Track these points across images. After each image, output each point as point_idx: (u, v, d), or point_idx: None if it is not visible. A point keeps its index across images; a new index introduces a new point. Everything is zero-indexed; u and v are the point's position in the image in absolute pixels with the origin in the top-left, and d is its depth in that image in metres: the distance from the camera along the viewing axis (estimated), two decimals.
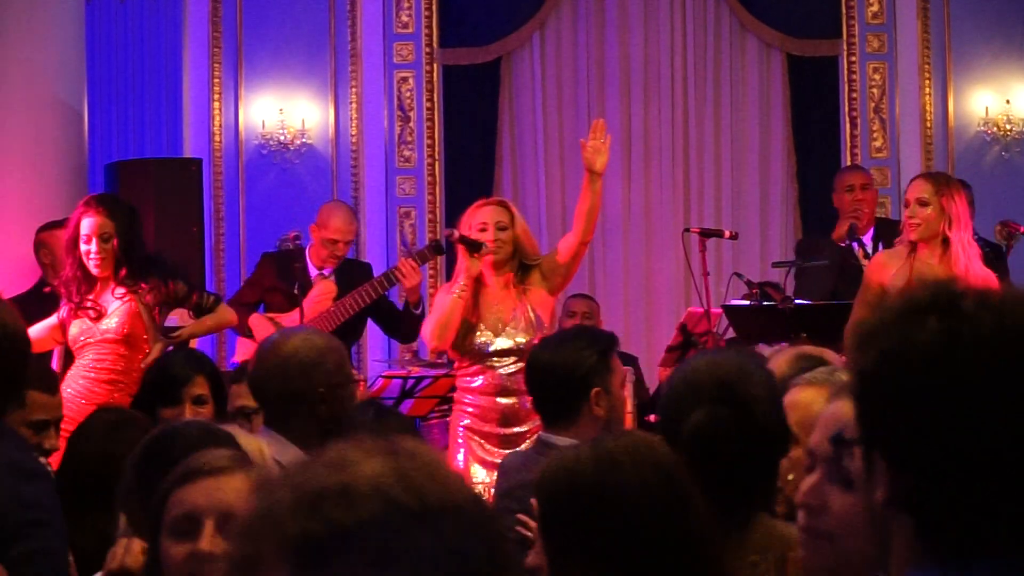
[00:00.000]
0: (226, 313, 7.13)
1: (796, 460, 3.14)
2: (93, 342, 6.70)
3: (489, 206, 6.69)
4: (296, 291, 7.93)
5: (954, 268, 6.46)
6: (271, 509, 1.48)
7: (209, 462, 2.78)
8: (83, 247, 6.67)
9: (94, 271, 6.68)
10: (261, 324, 7.97)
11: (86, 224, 6.67)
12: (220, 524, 2.72)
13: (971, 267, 6.50)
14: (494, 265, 6.60)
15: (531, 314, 6.61)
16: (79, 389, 6.65)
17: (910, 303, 1.68)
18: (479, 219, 6.59)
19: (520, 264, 6.67)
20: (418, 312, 8.06)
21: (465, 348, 6.62)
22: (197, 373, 4.93)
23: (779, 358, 3.84)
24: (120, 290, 6.72)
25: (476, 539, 1.45)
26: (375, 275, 8.16)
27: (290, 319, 7.94)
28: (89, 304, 6.72)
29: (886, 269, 6.63)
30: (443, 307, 6.57)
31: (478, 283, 6.61)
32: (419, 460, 1.50)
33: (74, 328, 6.72)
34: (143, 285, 6.76)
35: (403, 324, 8.17)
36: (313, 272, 8.10)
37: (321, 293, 7.88)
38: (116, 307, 6.70)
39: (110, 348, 6.70)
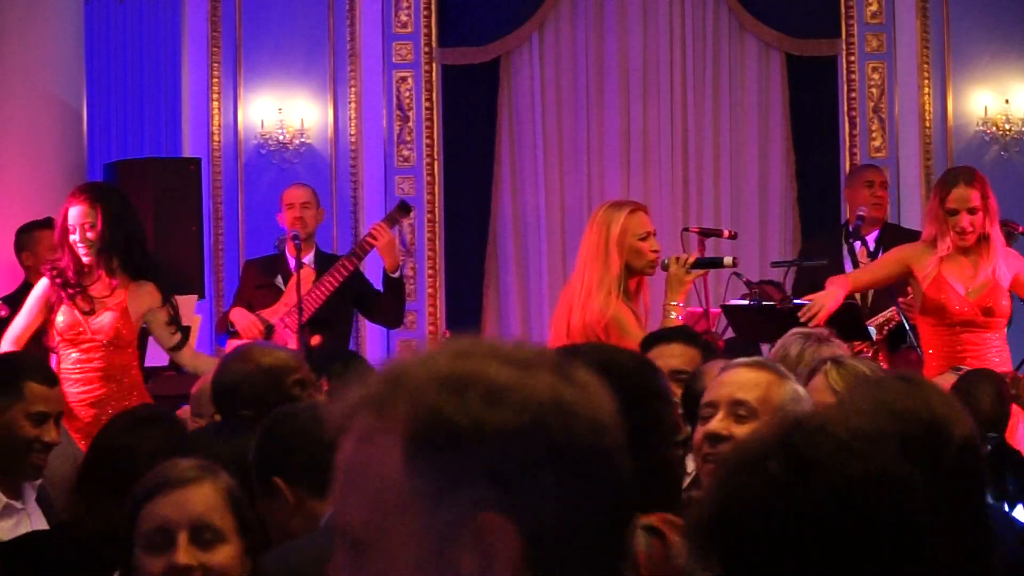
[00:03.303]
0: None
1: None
2: (81, 340, 6.68)
3: (644, 212, 6.34)
4: (278, 283, 8.09)
5: (984, 267, 6.61)
6: (419, 370, 1.39)
7: (177, 474, 2.80)
8: (71, 238, 6.66)
9: (83, 259, 6.66)
10: (242, 317, 8.04)
11: (71, 214, 6.66)
12: (193, 536, 2.75)
13: (999, 268, 6.64)
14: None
15: None
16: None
17: (751, 448, 1.67)
18: (642, 226, 6.24)
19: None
20: (396, 276, 8.10)
21: None
22: None
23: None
24: (115, 288, 6.70)
25: (598, 494, 1.38)
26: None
27: (272, 311, 8.03)
28: (81, 296, 6.69)
29: (915, 257, 6.76)
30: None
31: (628, 293, 6.25)
32: (588, 395, 1.40)
33: (62, 317, 6.69)
34: (148, 287, 6.75)
35: (386, 300, 8.22)
36: (293, 264, 8.18)
37: (302, 279, 7.97)
38: (106, 311, 6.68)
39: (98, 350, 6.67)
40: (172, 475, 2.79)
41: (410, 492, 1.37)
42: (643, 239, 6.22)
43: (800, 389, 3.57)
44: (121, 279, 6.71)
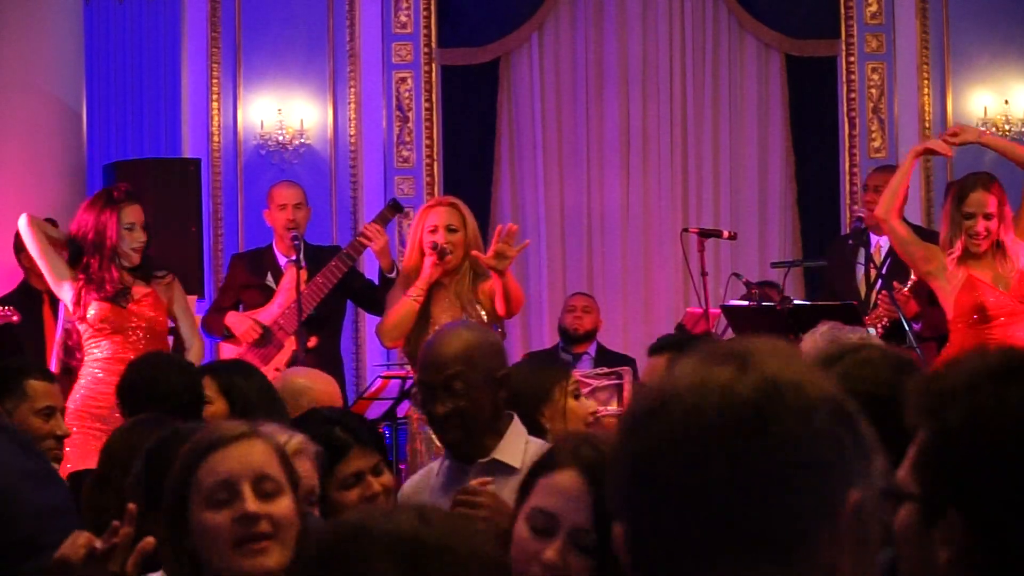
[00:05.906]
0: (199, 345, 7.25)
1: None
2: (121, 325, 6.72)
3: (441, 207, 6.63)
4: (269, 282, 8.04)
5: (1005, 269, 6.67)
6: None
7: (231, 429, 2.83)
8: (128, 235, 6.75)
9: (135, 258, 6.77)
10: (239, 321, 8.00)
11: (130, 212, 6.77)
12: (255, 487, 2.76)
13: (1019, 264, 6.71)
14: (447, 267, 6.53)
15: (484, 317, 6.50)
16: (100, 377, 6.67)
17: (993, 367, 1.68)
18: (430, 221, 6.54)
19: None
20: (392, 275, 8.08)
21: (419, 349, 6.56)
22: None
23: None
24: (141, 283, 6.82)
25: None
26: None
27: (267, 312, 7.98)
28: (119, 293, 6.77)
29: (937, 253, 6.81)
30: (398, 309, 6.54)
31: (434, 284, 6.54)
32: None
33: (93, 311, 6.72)
34: (161, 276, 6.86)
35: (382, 295, 8.16)
36: (282, 261, 8.15)
37: (293, 279, 7.89)
38: (140, 298, 6.79)
39: (139, 333, 6.74)
40: (225, 432, 2.81)
41: None
42: (432, 232, 6.52)
43: None
44: (143, 275, 6.82)
